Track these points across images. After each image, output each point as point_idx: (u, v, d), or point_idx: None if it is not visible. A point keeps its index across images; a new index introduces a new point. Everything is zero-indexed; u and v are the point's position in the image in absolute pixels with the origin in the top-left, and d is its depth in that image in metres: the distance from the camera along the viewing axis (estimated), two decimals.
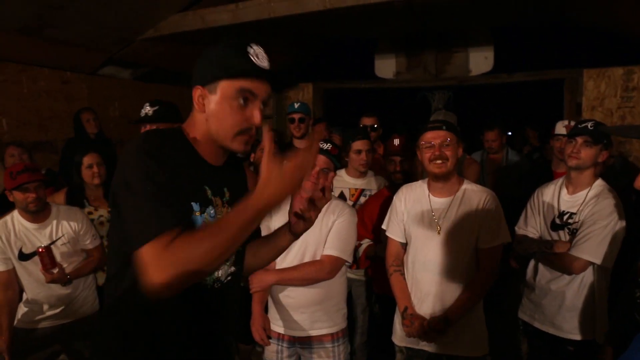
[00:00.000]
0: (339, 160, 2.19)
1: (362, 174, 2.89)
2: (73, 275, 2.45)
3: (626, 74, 4.45)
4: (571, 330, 2.15)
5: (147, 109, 2.30)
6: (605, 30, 4.56)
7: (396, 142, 2.75)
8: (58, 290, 2.44)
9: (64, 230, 2.43)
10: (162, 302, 0.99)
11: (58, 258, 2.38)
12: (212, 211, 1.14)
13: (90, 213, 2.80)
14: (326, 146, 2.13)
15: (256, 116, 1.12)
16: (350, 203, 2.81)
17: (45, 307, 2.45)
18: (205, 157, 1.17)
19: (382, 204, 2.64)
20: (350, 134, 2.92)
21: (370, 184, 2.90)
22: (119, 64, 4.46)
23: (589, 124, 2.14)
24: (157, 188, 0.99)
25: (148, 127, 2.22)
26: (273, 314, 2.19)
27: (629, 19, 3.86)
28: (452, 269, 2.00)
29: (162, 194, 0.99)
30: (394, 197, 2.25)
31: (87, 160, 2.82)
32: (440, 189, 2.07)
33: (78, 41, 3.80)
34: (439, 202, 2.07)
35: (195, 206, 1.10)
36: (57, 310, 2.47)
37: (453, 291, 2.00)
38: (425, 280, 2.05)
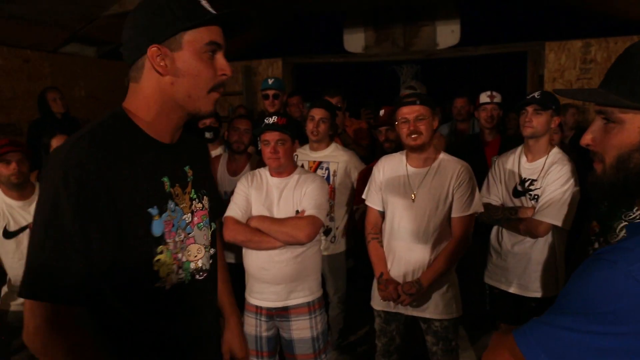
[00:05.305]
0: (291, 129, 2.11)
1: (322, 146, 2.79)
2: None
3: (584, 46, 4.64)
4: (536, 289, 2.31)
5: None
6: (565, 4, 4.72)
7: (382, 112, 2.80)
8: None
9: None
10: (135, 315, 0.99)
11: None
12: (172, 205, 1.02)
13: None
14: (271, 120, 2.06)
15: (228, 67, 1.02)
16: None
17: None
18: (159, 137, 1.03)
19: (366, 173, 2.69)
20: (311, 104, 2.87)
21: (332, 157, 2.77)
22: (83, 41, 4.33)
23: (536, 94, 2.31)
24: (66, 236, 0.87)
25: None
26: (250, 286, 2.20)
27: None
28: (426, 236, 2.11)
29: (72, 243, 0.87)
30: (374, 168, 2.33)
31: (55, 142, 2.77)
32: (417, 159, 2.16)
33: (39, 18, 3.66)
34: (415, 171, 2.16)
35: (153, 210, 0.98)
36: None
37: (426, 257, 2.11)
38: (400, 247, 2.15)
